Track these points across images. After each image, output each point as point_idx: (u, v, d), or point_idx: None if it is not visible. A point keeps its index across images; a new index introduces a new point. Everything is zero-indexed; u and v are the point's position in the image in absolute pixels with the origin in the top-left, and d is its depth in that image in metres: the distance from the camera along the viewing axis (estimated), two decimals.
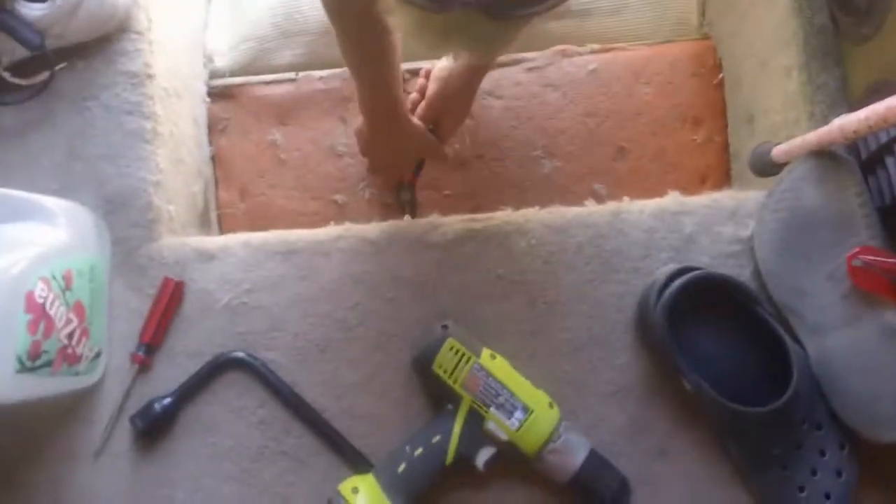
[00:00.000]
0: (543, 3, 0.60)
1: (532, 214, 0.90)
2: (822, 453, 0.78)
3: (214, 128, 1.20)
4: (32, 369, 0.70)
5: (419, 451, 0.79)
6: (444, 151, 1.11)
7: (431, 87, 1.06)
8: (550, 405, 0.80)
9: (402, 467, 0.78)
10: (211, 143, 1.20)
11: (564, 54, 1.19)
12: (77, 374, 0.80)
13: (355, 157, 1.16)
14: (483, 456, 0.79)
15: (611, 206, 0.91)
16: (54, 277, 0.74)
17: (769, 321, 0.79)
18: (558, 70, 1.18)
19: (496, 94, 1.17)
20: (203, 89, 1.19)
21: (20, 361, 0.69)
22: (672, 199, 0.90)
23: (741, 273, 0.86)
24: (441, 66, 1.06)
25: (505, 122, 1.17)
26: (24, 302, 0.69)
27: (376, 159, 1.12)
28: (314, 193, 1.17)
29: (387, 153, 1.09)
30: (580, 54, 1.19)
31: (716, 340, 0.82)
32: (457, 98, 1.07)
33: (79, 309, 0.79)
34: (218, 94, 1.21)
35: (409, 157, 1.12)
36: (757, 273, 0.85)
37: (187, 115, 1.09)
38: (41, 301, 0.71)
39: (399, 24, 0.63)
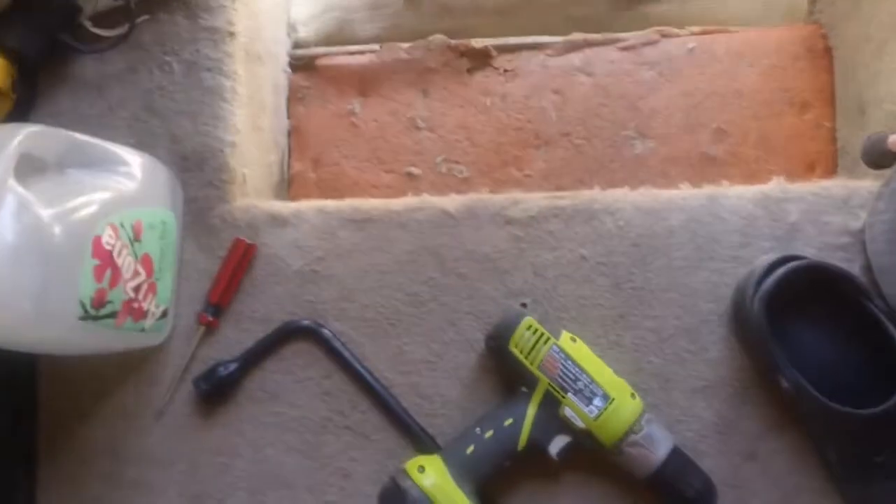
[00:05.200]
0: None
1: (621, 195, 0.86)
2: None
3: (293, 97, 1.17)
4: (96, 318, 0.68)
5: (489, 433, 0.75)
6: None
7: None
8: (633, 395, 0.74)
9: (470, 449, 0.74)
10: (289, 114, 1.17)
11: (662, 34, 1.13)
12: (143, 330, 0.78)
13: (435, 130, 1.12)
14: (557, 444, 0.75)
15: (708, 189, 0.85)
16: (123, 226, 0.72)
17: (880, 317, 0.73)
18: (654, 49, 1.12)
19: (586, 70, 1.12)
20: (285, 58, 1.16)
21: (84, 308, 0.66)
22: (776, 186, 0.84)
23: (850, 267, 0.79)
24: None
25: (594, 99, 1.11)
26: (91, 246, 0.67)
27: None
28: (388, 166, 1.13)
29: None
30: (678, 35, 1.13)
31: (818, 336, 0.77)
32: None
33: (147, 262, 0.76)
34: (299, 65, 1.18)
35: None
36: (867, 268, 0.79)
37: (267, 81, 1.07)
38: (108, 248, 0.69)
39: None
